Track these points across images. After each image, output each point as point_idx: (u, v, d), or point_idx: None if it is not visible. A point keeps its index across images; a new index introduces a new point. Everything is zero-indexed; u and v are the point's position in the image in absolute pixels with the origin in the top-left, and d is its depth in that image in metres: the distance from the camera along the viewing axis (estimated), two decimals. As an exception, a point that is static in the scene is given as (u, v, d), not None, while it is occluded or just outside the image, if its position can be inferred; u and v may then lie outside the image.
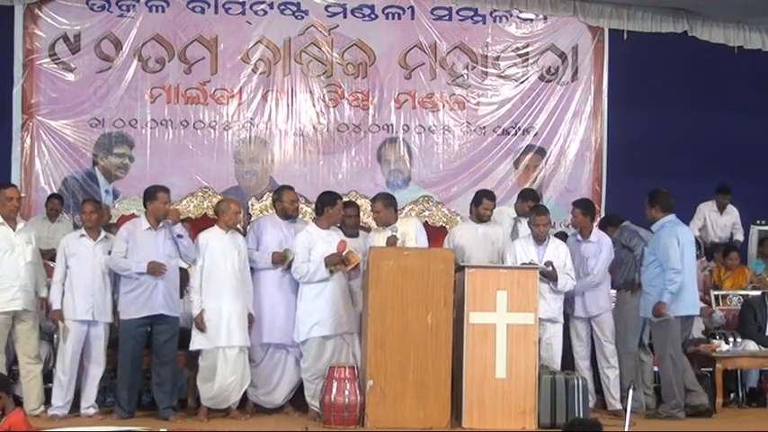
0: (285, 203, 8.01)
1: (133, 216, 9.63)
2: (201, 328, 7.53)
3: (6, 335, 7.51)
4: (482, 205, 8.27)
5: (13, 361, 7.66)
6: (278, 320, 7.77)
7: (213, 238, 7.69)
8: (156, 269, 7.43)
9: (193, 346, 7.60)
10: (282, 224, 7.98)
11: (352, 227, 8.18)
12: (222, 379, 7.52)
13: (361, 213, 9.76)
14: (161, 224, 7.64)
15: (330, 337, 7.61)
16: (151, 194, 7.69)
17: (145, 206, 7.75)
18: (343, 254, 7.56)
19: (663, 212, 7.89)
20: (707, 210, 10.93)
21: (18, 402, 6.76)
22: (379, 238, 7.88)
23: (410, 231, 7.97)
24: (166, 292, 7.53)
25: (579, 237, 8.21)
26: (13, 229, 7.57)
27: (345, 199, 8.99)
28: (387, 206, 8.00)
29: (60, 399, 7.50)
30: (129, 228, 7.72)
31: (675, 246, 7.71)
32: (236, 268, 7.65)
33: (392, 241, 7.73)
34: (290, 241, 7.80)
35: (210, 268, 7.60)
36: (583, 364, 8.04)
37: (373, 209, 8.16)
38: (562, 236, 8.77)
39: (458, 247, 8.11)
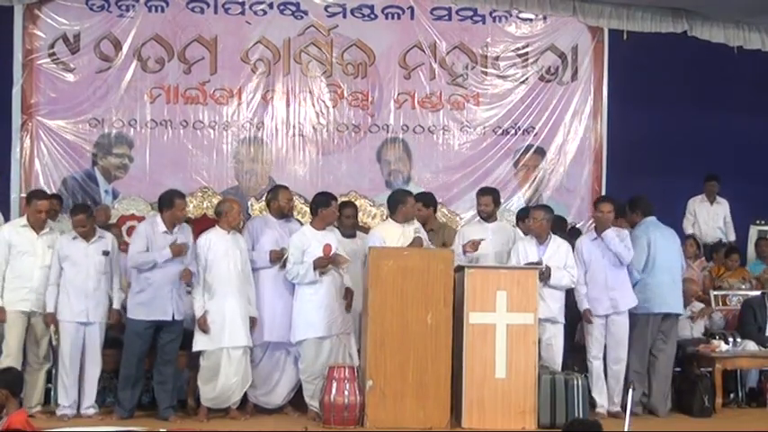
0: (281, 202, 8.03)
1: (133, 216, 9.66)
2: (205, 330, 7.53)
3: (23, 334, 7.55)
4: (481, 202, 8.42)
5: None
6: (277, 319, 7.78)
7: (215, 238, 7.69)
8: (179, 251, 7.46)
9: (196, 346, 7.62)
10: (277, 223, 7.99)
11: (350, 227, 8.19)
12: (225, 379, 7.53)
13: (360, 213, 9.81)
14: (176, 228, 7.65)
15: (326, 337, 7.60)
16: (168, 201, 7.68)
17: (161, 211, 7.72)
18: (330, 255, 7.55)
19: (642, 217, 8.29)
20: (695, 204, 10.95)
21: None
22: (391, 234, 7.84)
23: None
24: (177, 296, 7.57)
25: (594, 234, 8.14)
26: (37, 233, 7.64)
27: (344, 199, 9.02)
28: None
29: (66, 399, 7.54)
30: (146, 226, 7.72)
31: (643, 245, 8.10)
32: (239, 269, 7.66)
33: (418, 243, 7.73)
34: (286, 240, 7.81)
35: (213, 269, 7.61)
36: (598, 364, 7.97)
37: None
38: (576, 232, 8.76)
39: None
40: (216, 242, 7.67)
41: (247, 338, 7.63)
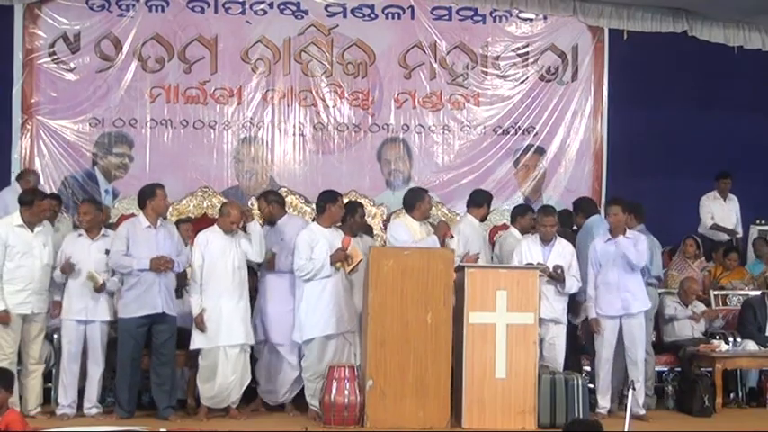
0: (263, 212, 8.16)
1: (133, 216, 9.63)
2: (201, 328, 7.53)
3: (18, 338, 7.52)
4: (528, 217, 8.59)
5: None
6: (273, 319, 7.81)
7: (213, 237, 7.70)
8: (158, 265, 7.45)
9: (194, 345, 7.62)
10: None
11: (361, 226, 8.21)
12: (223, 378, 7.54)
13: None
14: (160, 223, 7.66)
15: (333, 336, 7.61)
16: (151, 192, 7.70)
17: (142, 205, 7.72)
18: (348, 250, 7.56)
19: (585, 218, 8.39)
20: (709, 201, 10.87)
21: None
22: (415, 230, 7.92)
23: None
24: (167, 290, 7.56)
25: (608, 235, 7.95)
26: (32, 231, 7.60)
27: (345, 199, 9.01)
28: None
29: (65, 398, 7.53)
30: (128, 226, 7.72)
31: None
32: (236, 267, 7.66)
33: (443, 226, 7.90)
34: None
35: (210, 267, 7.61)
36: (606, 367, 7.89)
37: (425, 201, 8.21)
38: (567, 213, 8.76)
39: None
40: (213, 241, 7.67)
41: (245, 336, 7.62)
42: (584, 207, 8.63)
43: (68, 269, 7.51)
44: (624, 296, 7.86)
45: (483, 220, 8.58)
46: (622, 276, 7.86)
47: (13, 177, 10.37)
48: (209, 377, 7.57)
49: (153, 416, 7.55)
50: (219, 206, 8.26)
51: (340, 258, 7.56)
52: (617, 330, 7.89)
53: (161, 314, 7.51)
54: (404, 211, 8.20)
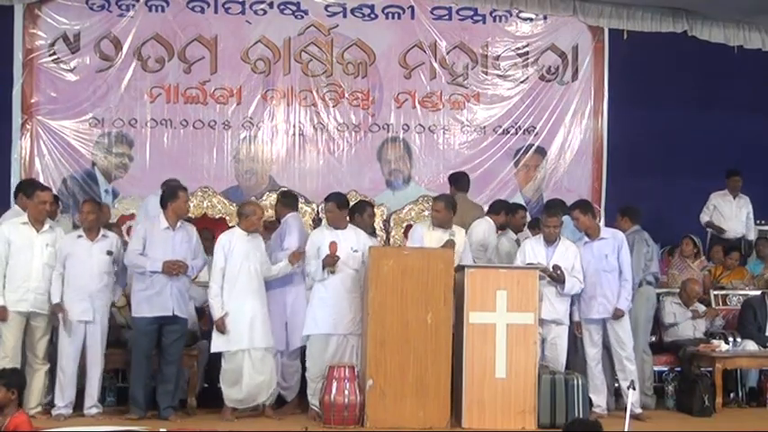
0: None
1: (133, 216, 9.66)
2: (222, 331, 7.50)
3: (20, 336, 7.48)
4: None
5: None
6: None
7: (235, 239, 7.66)
8: (171, 269, 7.44)
9: (215, 348, 7.60)
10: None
11: (369, 226, 8.24)
12: (250, 379, 7.50)
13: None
14: (179, 225, 7.65)
15: (332, 335, 7.60)
16: (172, 194, 7.66)
17: (163, 206, 7.68)
18: (335, 253, 7.55)
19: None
20: (717, 199, 10.80)
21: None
22: (431, 238, 7.89)
23: (460, 243, 8.00)
24: (179, 293, 7.54)
25: (587, 238, 7.97)
26: (37, 231, 7.58)
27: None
28: (447, 207, 8.04)
29: (61, 399, 7.50)
30: (146, 225, 7.71)
31: None
32: (258, 270, 7.64)
33: (450, 245, 7.78)
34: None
35: (233, 270, 7.57)
36: (596, 366, 7.90)
37: (433, 207, 8.18)
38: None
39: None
40: (236, 243, 7.63)
41: (267, 339, 7.58)
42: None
43: (61, 313, 7.43)
44: (600, 300, 7.85)
45: (501, 228, 8.69)
46: (603, 279, 7.86)
47: (13, 177, 10.39)
48: (236, 380, 7.53)
49: (153, 416, 7.53)
50: (238, 209, 8.12)
51: (329, 263, 7.55)
52: (601, 330, 7.91)
53: (171, 316, 7.51)
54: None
